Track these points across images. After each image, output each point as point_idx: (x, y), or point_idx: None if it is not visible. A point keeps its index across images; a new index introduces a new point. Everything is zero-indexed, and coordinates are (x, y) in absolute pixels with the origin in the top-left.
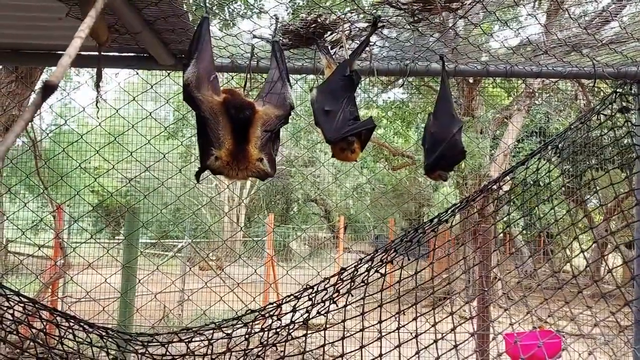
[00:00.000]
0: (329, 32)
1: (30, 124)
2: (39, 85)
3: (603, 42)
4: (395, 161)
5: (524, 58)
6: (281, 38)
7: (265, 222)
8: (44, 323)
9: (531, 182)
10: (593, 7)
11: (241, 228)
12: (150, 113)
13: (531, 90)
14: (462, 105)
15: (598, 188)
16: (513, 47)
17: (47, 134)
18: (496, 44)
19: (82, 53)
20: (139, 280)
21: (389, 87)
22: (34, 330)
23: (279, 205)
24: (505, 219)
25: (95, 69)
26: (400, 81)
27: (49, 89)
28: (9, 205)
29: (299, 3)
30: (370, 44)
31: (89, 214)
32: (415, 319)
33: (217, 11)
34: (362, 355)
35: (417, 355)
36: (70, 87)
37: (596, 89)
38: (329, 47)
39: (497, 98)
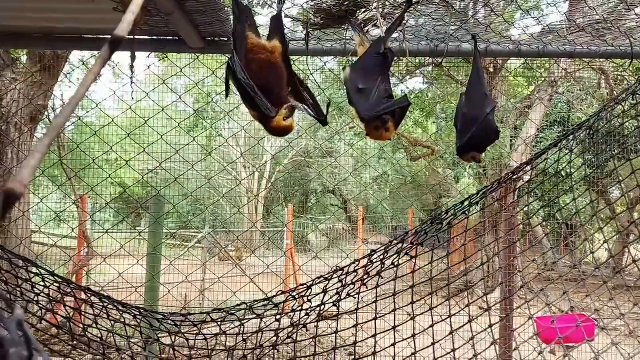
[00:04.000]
0: (362, 10)
1: (53, 116)
2: (61, 77)
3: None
4: (414, 152)
5: (559, 35)
6: (312, 18)
7: (286, 212)
8: (79, 303)
9: (553, 172)
10: None
11: (264, 214)
12: (180, 96)
13: (553, 79)
14: None
15: (622, 178)
16: (546, 25)
17: (77, 117)
18: (526, 24)
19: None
20: (171, 262)
21: (408, 77)
22: (69, 310)
23: (297, 196)
24: (526, 209)
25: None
26: (419, 71)
27: (116, 43)
28: (32, 197)
29: None
30: (404, 21)
31: (111, 204)
32: (447, 299)
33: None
34: (394, 337)
35: (450, 336)
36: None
37: (619, 78)
38: (362, 25)
39: (518, 88)
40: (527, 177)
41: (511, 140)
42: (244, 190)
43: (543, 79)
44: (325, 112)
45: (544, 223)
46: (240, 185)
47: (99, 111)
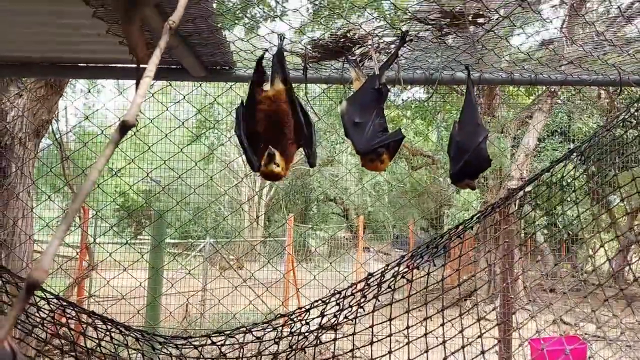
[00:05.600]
0: (357, 46)
1: (56, 126)
2: (67, 89)
3: (626, 41)
4: (415, 161)
5: (549, 68)
6: (310, 52)
7: (286, 222)
8: (83, 326)
9: (556, 184)
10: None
11: (266, 223)
12: (183, 122)
13: (553, 89)
14: (483, 105)
15: (622, 188)
16: (536, 45)
17: (76, 126)
18: (517, 42)
19: (120, 65)
20: (172, 285)
21: (408, 87)
22: (73, 333)
23: (298, 204)
24: (526, 218)
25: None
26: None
27: (126, 128)
28: (36, 207)
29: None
30: (398, 57)
31: (113, 215)
32: (442, 324)
33: (240, 15)
34: None
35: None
36: (95, 90)
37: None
38: (358, 60)
39: (518, 97)
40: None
41: (511, 150)
42: (245, 197)
43: (543, 89)
44: (315, 155)
45: (545, 232)
46: (241, 194)
47: (102, 121)
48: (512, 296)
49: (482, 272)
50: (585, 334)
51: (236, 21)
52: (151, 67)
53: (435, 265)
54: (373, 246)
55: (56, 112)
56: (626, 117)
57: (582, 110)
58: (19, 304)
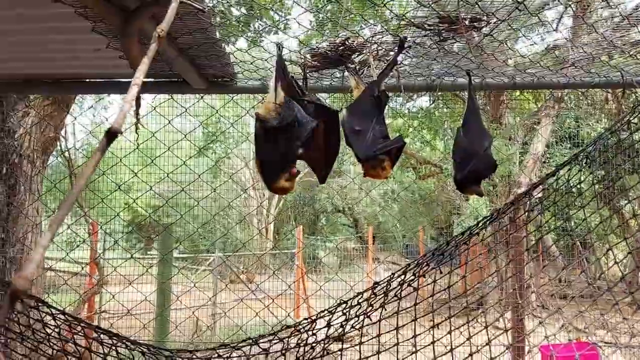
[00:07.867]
0: (356, 54)
1: (64, 143)
2: (73, 107)
3: (631, 44)
4: (422, 170)
5: (551, 70)
6: (310, 60)
7: (295, 234)
8: (89, 341)
9: (564, 189)
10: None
11: (275, 235)
12: (185, 135)
13: (560, 95)
14: (489, 112)
15: (629, 190)
16: (541, 50)
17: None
18: (521, 46)
19: (121, 80)
20: (177, 298)
21: (415, 96)
22: (79, 348)
23: (307, 215)
24: (538, 224)
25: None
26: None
27: (112, 135)
28: (45, 224)
29: (321, 17)
30: (398, 63)
31: (123, 230)
32: (449, 332)
33: (243, 28)
34: None
35: None
36: (102, 105)
37: (627, 92)
38: (357, 68)
39: (525, 103)
40: (537, 194)
41: (520, 157)
42: (253, 210)
43: (549, 95)
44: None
45: (554, 236)
46: (249, 206)
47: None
48: (520, 302)
49: (489, 277)
50: (598, 341)
51: (239, 34)
52: (139, 74)
53: (441, 273)
54: (383, 256)
55: (63, 129)
56: (631, 119)
57: (590, 115)
58: (2, 312)
